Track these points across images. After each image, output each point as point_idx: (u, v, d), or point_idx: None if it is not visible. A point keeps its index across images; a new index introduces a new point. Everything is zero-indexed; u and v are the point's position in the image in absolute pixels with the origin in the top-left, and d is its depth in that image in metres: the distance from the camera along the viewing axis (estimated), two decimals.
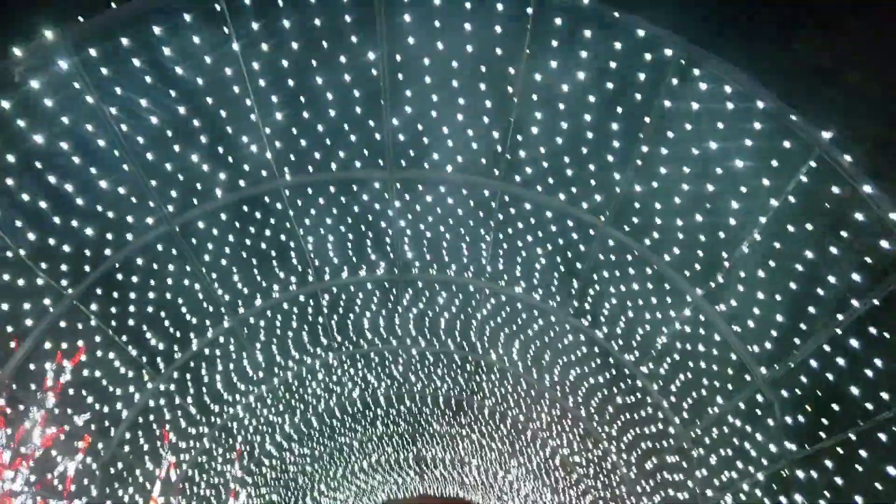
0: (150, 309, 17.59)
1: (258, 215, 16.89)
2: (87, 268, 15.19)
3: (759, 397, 16.31)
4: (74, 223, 14.01)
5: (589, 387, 23.57)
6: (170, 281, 17.18)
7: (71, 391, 16.48)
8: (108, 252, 15.34)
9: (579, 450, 28.14)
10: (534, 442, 31.56)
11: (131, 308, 16.83)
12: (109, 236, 15.09)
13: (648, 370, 20.00)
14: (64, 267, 14.66)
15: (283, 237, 18.16)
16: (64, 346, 15.56)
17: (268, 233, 17.72)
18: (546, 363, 24.06)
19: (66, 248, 14.23)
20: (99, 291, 15.67)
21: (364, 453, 35.96)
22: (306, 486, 35.46)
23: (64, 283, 14.90)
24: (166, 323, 18.58)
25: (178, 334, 19.23)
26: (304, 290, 20.87)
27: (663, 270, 16.35)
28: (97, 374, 17.02)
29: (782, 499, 16.72)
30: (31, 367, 15.41)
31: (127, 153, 13.70)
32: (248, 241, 17.80)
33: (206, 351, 20.67)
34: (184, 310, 18.64)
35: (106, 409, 17.86)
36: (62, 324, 15.34)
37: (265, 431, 27.44)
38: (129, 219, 15.11)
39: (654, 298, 17.16)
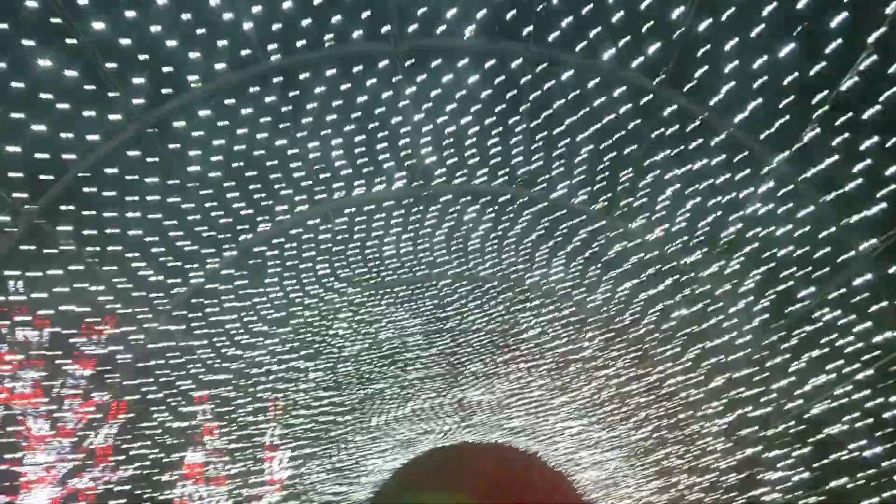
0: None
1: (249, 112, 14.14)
2: None
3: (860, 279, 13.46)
4: None
5: (645, 301, 20.83)
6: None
7: None
8: None
9: (634, 376, 25.50)
10: (582, 374, 28.97)
11: None
12: None
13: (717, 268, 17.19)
14: None
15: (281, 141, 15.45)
16: None
17: (260, 136, 14.98)
18: (593, 279, 21.30)
19: None
20: None
21: (402, 399, 33.60)
22: (341, 438, 33.28)
23: None
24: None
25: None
26: (313, 211, 18.20)
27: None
28: None
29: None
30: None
31: None
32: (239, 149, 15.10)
33: (210, 286, 18.20)
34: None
35: None
36: None
37: (290, 378, 25.09)
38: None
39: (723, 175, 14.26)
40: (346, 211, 18.54)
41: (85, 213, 13.30)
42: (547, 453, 43.06)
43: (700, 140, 13.66)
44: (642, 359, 23.82)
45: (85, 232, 13.72)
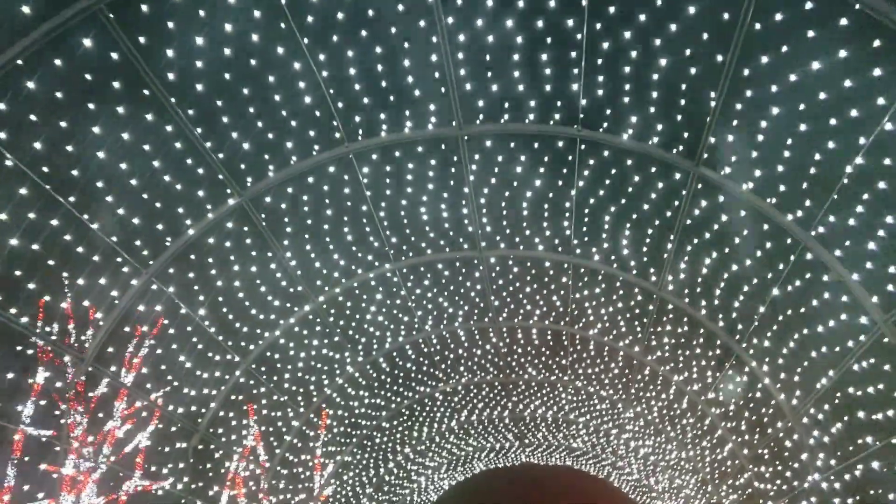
0: None
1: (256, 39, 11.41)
2: None
3: None
4: None
5: (724, 284, 17.17)
6: None
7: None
8: None
9: (715, 381, 21.55)
10: (653, 381, 25.10)
11: None
12: None
13: None
14: None
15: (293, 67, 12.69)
16: None
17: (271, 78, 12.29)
18: (671, 255, 17.71)
19: None
20: None
21: (450, 408, 30.20)
22: (386, 447, 30.06)
23: None
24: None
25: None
26: (333, 155, 15.29)
27: None
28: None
29: None
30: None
31: None
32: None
33: (212, 240, 15.43)
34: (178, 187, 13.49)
35: None
36: None
37: (318, 368, 22.13)
38: None
39: None
40: None
41: None
42: (615, 477, 38.88)
43: None
44: (722, 359, 19.98)
45: None
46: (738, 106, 13.09)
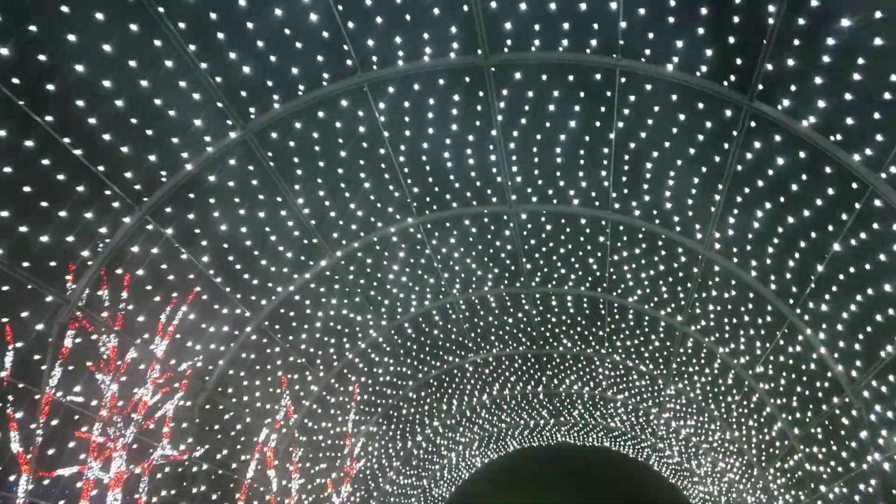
0: None
1: None
2: None
3: None
4: None
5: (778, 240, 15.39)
6: None
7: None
8: None
9: (764, 352, 19.72)
10: (696, 354, 23.32)
11: None
12: None
13: None
14: None
15: None
16: None
17: None
18: (719, 208, 15.96)
19: None
20: None
21: (481, 381, 28.75)
22: (414, 419, 28.78)
23: None
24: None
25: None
26: (344, 86, 13.86)
27: None
28: None
29: None
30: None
31: None
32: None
33: (213, 178, 14.16)
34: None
35: None
36: None
37: (338, 330, 20.85)
38: None
39: None
40: None
41: None
42: (655, 460, 37.12)
43: None
44: (774, 326, 18.14)
45: None
46: (801, 21, 11.30)
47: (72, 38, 10.37)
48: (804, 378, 18.94)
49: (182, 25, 11.29)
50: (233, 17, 11.62)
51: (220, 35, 11.77)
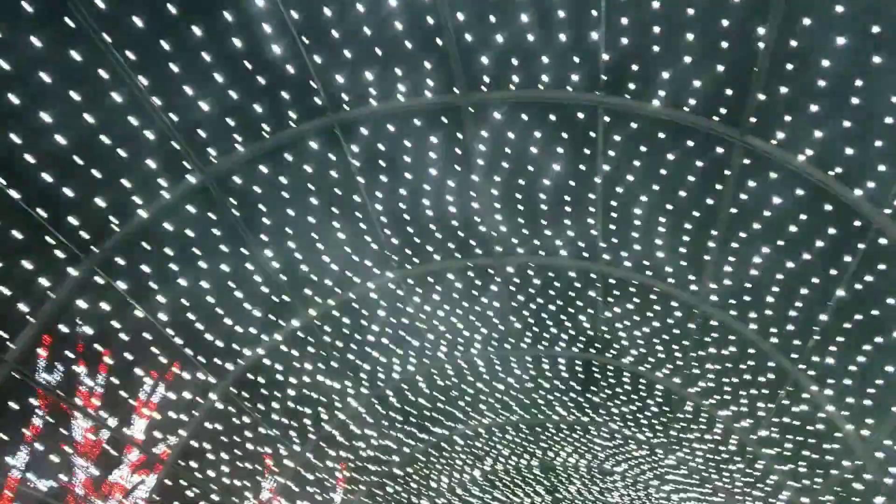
0: None
1: None
2: None
3: None
4: None
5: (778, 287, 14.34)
6: None
7: None
8: None
9: (767, 414, 18.42)
10: (696, 419, 21.91)
11: None
12: None
13: None
14: None
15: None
16: None
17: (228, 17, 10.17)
18: (714, 255, 14.95)
19: None
20: None
21: (472, 454, 27.06)
22: (401, 499, 26.94)
23: None
24: None
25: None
26: (313, 126, 12.97)
27: None
28: None
29: None
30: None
31: None
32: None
33: (170, 227, 13.09)
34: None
35: None
36: None
37: (314, 399, 19.42)
38: None
39: None
40: None
41: None
42: None
43: None
44: (778, 382, 16.91)
45: None
46: (793, 42, 10.52)
47: (3, 63, 9.45)
48: (811, 440, 17.62)
49: (130, 55, 10.42)
50: (188, 48, 10.78)
51: (174, 68, 10.90)
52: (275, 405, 18.26)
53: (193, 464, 16.59)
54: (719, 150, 12.61)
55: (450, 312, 19.12)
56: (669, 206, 14.26)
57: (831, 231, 12.42)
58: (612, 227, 15.53)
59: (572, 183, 14.56)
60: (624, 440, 25.72)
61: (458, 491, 29.12)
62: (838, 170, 11.75)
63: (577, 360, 21.76)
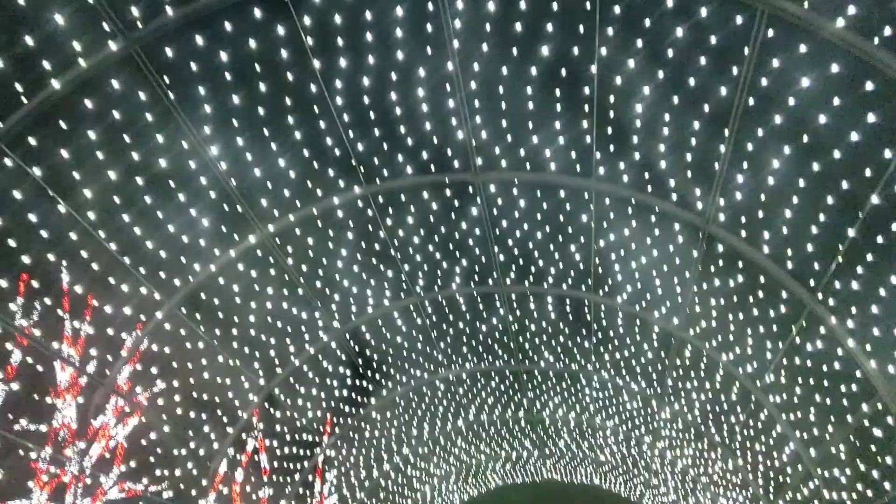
0: None
1: None
2: None
3: None
4: None
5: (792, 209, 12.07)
6: None
7: None
8: None
9: (776, 356, 16.26)
10: (695, 365, 19.79)
11: None
12: None
13: None
14: None
15: None
16: None
17: None
18: (725, 162, 12.67)
19: None
20: None
21: (455, 403, 25.03)
22: (380, 445, 24.96)
23: None
24: None
25: None
26: None
27: None
28: None
29: None
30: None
31: None
32: None
33: (90, 104, 10.82)
34: None
35: None
36: None
37: (279, 328, 17.28)
38: None
39: None
40: None
41: None
42: (649, 499, 33.05)
43: None
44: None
45: None
46: None
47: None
48: (825, 383, 15.42)
49: None
50: None
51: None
52: (234, 332, 16.11)
53: (139, 389, 14.48)
54: (739, 19, 10.28)
55: (427, 240, 16.93)
56: (675, 99, 11.96)
57: (871, 118, 10.12)
58: (609, 130, 13.24)
59: (563, 72, 12.24)
60: (615, 391, 23.68)
61: (441, 441, 27.16)
62: (876, 40, 9.44)
63: (566, 300, 19.62)
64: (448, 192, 15.23)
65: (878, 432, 14.16)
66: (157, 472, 15.41)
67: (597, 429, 27.40)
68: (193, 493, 17.30)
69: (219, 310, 15.27)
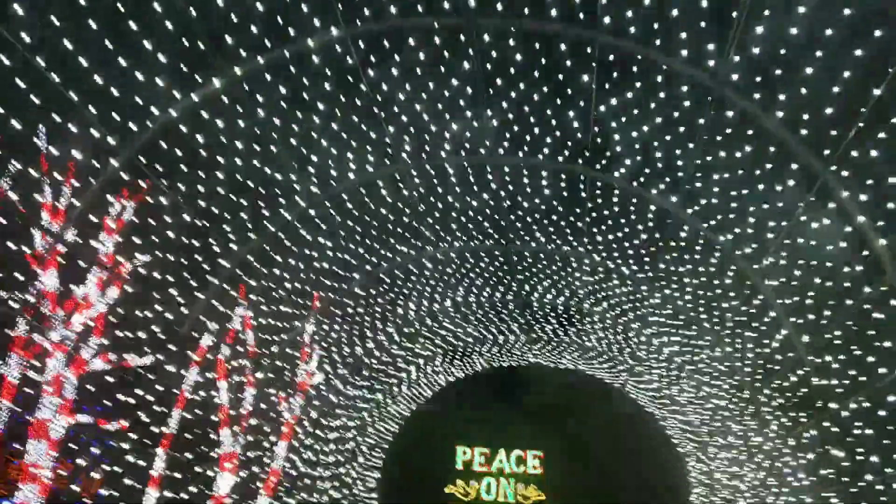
0: None
1: None
2: None
3: None
4: None
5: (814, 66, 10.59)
6: None
7: None
8: None
9: (779, 234, 15.23)
10: (690, 247, 18.77)
11: None
12: None
13: None
14: None
15: None
16: None
17: None
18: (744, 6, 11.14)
19: None
20: None
21: (443, 283, 24.18)
22: (363, 321, 24.29)
23: None
24: None
25: None
26: None
27: None
28: None
29: None
30: None
31: None
32: None
33: None
34: None
35: None
36: None
37: (249, 187, 16.07)
38: None
39: None
40: None
41: None
42: (632, 387, 32.94)
43: None
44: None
45: None
46: None
47: None
48: (828, 264, 14.42)
49: None
50: None
51: None
52: (201, 189, 14.93)
53: (96, 244, 13.37)
54: None
55: (414, 98, 15.49)
56: None
57: None
58: None
59: None
60: (606, 274, 22.78)
61: (427, 321, 26.53)
62: None
63: (561, 174, 18.38)
64: (437, 40, 13.70)
65: (879, 315, 13.28)
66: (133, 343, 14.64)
67: (585, 314, 26.73)
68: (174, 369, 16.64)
69: (182, 163, 14.01)
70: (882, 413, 13.32)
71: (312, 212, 17.97)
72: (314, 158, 16.35)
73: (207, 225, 15.78)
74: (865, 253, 12.81)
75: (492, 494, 35.27)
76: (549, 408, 36.67)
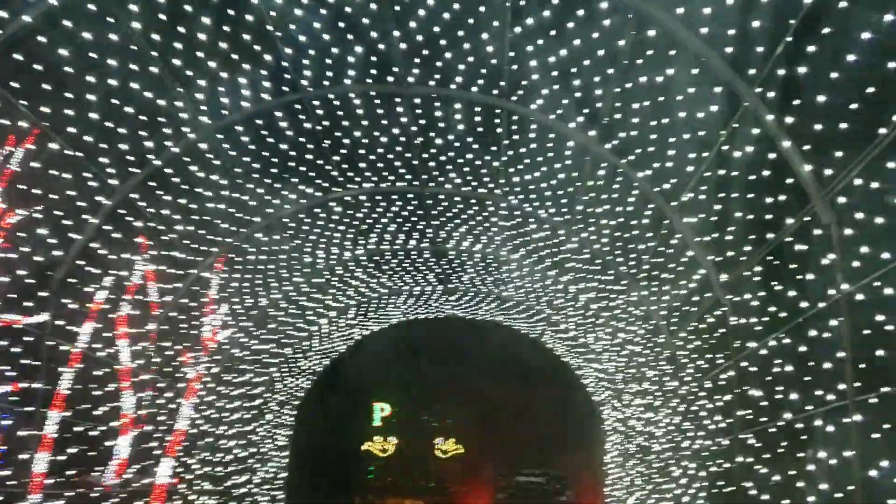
0: None
1: None
2: None
3: None
4: None
5: None
6: None
7: None
8: None
9: (704, 162, 14.57)
10: (608, 187, 18.04)
11: None
12: None
13: None
14: None
15: None
16: None
17: None
18: None
19: None
20: None
21: (354, 228, 22.82)
22: (266, 271, 22.78)
23: None
24: None
25: None
26: None
27: None
28: None
29: None
30: None
31: None
32: None
33: None
34: None
35: None
36: None
37: (128, 115, 14.27)
38: None
39: None
40: None
41: None
42: (549, 337, 32.61)
43: None
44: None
45: None
46: None
47: None
48: (750, 195, 13.84)
49: None
50: None
51: None
52: (69, 112, 13.06)
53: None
54: None
55: (311, 16, 13.95)
56: None
57: None
58: None
59: None
60: (524, 219, 21.93)
61: (338, 270, 25.19)
62: None
63: (476, 106, 17.20)
64: None
65: (801, 246, 12.75)
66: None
67: (502, 262, 25.92)
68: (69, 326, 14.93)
69: (43, 81, 12.12)
70: (802, 349, 12.88)
71: (204, 146, 16.27)
72: (202, 83, 14.65)
73: (82, 156, 13.93)
74: (789, 181, 12.17)
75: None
76: (467, 361, 36.18)
